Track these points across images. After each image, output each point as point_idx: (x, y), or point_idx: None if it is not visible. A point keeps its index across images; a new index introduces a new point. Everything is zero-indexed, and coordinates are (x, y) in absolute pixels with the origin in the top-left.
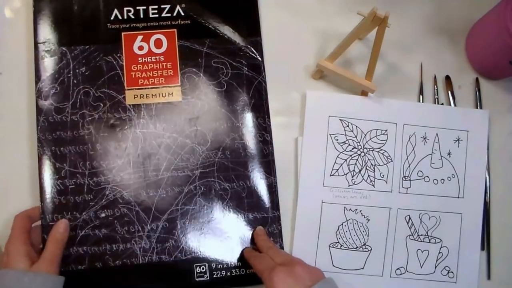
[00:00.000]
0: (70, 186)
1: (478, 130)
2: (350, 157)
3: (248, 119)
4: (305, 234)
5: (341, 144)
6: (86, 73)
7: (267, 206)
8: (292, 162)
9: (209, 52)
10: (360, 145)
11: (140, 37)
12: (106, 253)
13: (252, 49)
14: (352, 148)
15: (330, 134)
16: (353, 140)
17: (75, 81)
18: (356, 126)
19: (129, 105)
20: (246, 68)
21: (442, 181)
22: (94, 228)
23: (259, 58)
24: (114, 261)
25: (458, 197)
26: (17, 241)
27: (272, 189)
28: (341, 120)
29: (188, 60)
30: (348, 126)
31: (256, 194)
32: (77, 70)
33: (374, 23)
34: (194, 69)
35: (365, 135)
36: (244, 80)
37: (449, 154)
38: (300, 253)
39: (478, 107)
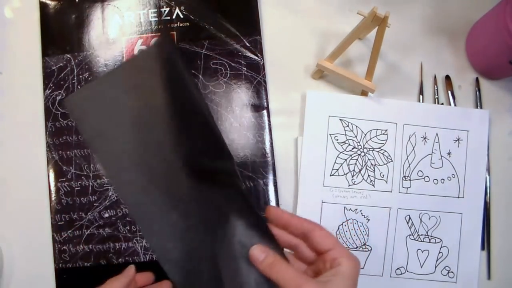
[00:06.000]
0: (76, 188)
1: (478, 130)
2: (350, 157)
3: (248, 119)
4: None
5: (341, 144)
6: (89, 78)
7: (266, 205)
8: (292, 162)
9: (208, 54)
10: (360, 145)
11: (140, 41)
12: (110, 251)
13: (252, 48)
14: (352, 148)
15: (330, 134)
16: (353, 140)
17: (79, 87)
18: (356, 126)
19: None
20: (245, 69)
21: (442, 181)
22: (99, 228)
23: (259, 58)
24: (118, 259)
25: (458, 197)
26: None
27: (273, 188)
28: (341, 120)
29: (187, 62)
30: (348, 126)
31: (256, 194)
32: (80, 76)
33: (374, 23)
34: (193, 71)
35: (365, 135)
36: (243, 80)
37: (449, 154)
38: None
39: (478, 107)
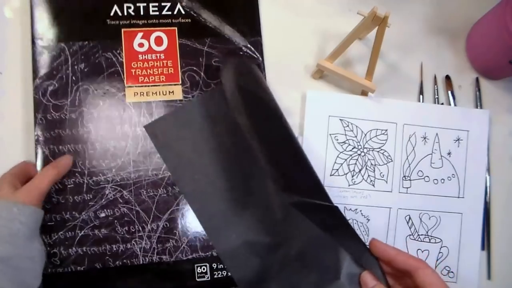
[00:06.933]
0: (69, 186)
1: (478, 130)
2: (350, 157)
3: None
4: None
5: (341, 144)
6: (85, 70)
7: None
8: None
9: (209, 52)
10: (360, 145)
11: (140, 34)
12: (106, 254)
13: (252, 49)
14: (352, 148)
15: (330, 134)
16: (353, 140)
17: (74, 78)
18: (356, 126)
19: (129, 102)
20: None
21: (442, 181)
22: (94, 228)
23: (259, 58)
24: (114, 262)
25: (458, 197)
26: (6, 174)
27: None
28: (341, 120)
29: (189, 59)
30: (348, 126)
31: None
32: (75, 67)
33: (374, 23)
34: (195, 68)
35: (365, 135)
36: None
37: (449, 154)
38: None
39: (478, 107)
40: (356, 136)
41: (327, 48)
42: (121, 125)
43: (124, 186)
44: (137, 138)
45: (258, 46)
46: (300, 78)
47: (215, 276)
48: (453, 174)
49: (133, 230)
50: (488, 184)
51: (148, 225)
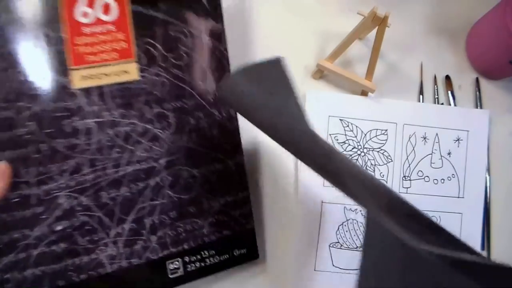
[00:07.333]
0: (13, 200)
1: (478, 130)
2: (350, 157)
3: (213, 94)
4: (305, 234)
5: (341, 144)
6: (15, 49)
7: (237, 187)
8: (292, 162)
9: (166, 19)
10: (360, 145)
11: (83, 1)
12: (68, 269)
13: (211, 11)
14: (352, 148)
15: (330, 134)
16: (353, 140)
17: (4, 61)
18: (356, 126)
19: (77, 89)
20: (206, 37)
21: (442, 181)
22: (50, 244)
23: (219, 24)
24: (79, 275)
25: (458, 197)
26: None
27: (240, 168)
28: (341, 120)
29: (143, 30)
30: (348, 126)
31: (225, 177)
32: (4, 48)
33: (374, 23)
34: (150, 40)
35: (365, 135)
36: (205, 51)
37: (449, 154)
38: (300, 253)
39: (478, 107)
40: (356, 136)
41: (327, 48)
42: (70, 118)
43: (81, 191)
44: (90, 132)
45: (217, 7)
46: (300, 78)
47: (188, 269)
48: (453, 174)
49: (96, 239)
50: (488, 184)
51: (113, 230)
